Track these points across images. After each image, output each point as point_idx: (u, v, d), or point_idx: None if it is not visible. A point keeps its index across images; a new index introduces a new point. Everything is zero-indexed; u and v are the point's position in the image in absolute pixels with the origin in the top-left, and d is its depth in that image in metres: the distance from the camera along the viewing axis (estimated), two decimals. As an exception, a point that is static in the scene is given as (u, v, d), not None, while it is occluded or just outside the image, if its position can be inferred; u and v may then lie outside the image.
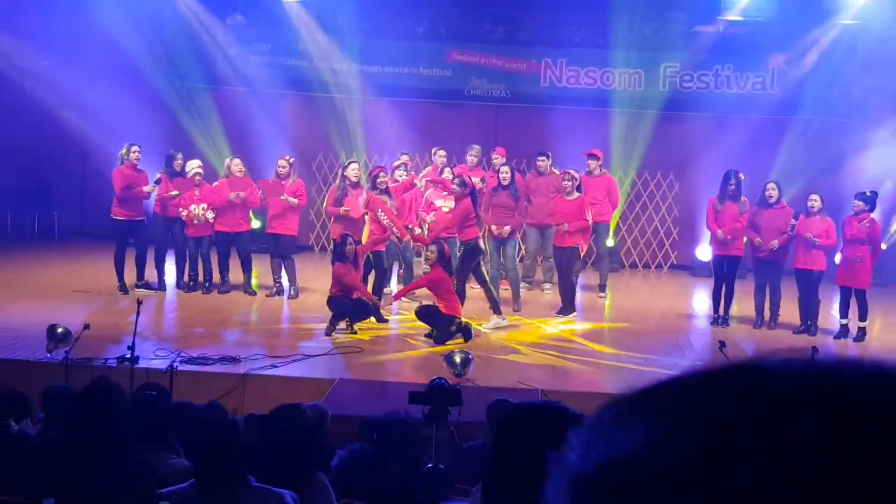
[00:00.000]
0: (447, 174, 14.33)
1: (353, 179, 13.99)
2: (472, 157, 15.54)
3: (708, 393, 0.74)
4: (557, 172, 15.29)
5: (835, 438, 0.67)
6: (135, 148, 14.35)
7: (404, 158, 15.22)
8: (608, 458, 0.72)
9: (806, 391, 0.71)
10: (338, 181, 14.38)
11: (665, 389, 0.76)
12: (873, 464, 0.66)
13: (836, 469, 0.65)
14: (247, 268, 14.63)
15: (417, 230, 13.80)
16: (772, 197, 13.41)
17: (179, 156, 14.59)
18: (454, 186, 13.15)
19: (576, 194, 13.86)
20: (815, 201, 13.16)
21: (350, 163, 14.51)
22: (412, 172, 14.81)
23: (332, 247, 13.16)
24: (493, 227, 14.06)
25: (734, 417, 0.70)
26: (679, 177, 18.71)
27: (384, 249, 13.53)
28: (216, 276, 14.62)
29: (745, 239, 13.56)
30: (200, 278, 14.60)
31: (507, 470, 2.82)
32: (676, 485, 0.68)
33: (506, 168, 14.46)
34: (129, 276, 14.27)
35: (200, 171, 14.54)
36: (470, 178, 13.48)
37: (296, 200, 14.33)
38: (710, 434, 0.70)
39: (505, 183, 14.19)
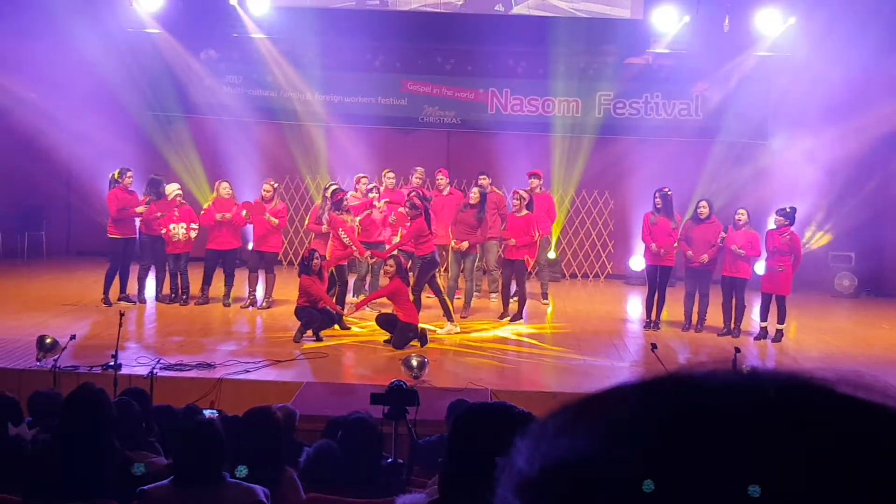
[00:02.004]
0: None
1: (330, 198, 14.04)
2: (416, 179, 15.57)
3: (641, 402, 0.74)
4: (498, 191, 15.33)
5: (755, 442, 0.68)
6: (129, 173, 14.32)
7: (391, 176, 15.34)
8: (552, 461, 0.73)
9: (729, 400, 0.71)
10: (319, 202, 14.43)
11: (604, 399, 0.77)
12: (790, 462, 0.67)
13: (757, 468, 0.66)
14: (229, 282, 14.50)
15: (386, 246, 13.81)
16: (703, 213, 13.52)
17: (163, 180, 14.61)
18: (406, 209, 13.20)
19: (524, 212, 13.96)
20: (741, 215, 13.29)
21: (331, 185, 14.51)
22: (369, 195, 14.70)
23: (298, 261, 13.15)
24: (453, 242, 14.05)
25: (665, 425, 0.71)
26: (613, 195, 18.82)
27: (346, 264, 13.53)
28: (194, 289, 14.51)
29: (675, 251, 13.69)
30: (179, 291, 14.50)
31: (460, 463, 2.83)
32: (612, 485, 0.69)
33: (476, 190, 14.25)
34: (112, 290, 14.16)
35: (180, 192, 14.49)
36: (422, 199, 13.45)
37: (276, 221, 14.30)
38: (641, 440, 0.70)
39: (473, 202, 14.14)
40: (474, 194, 14.17)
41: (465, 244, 13.98)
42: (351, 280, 14.33)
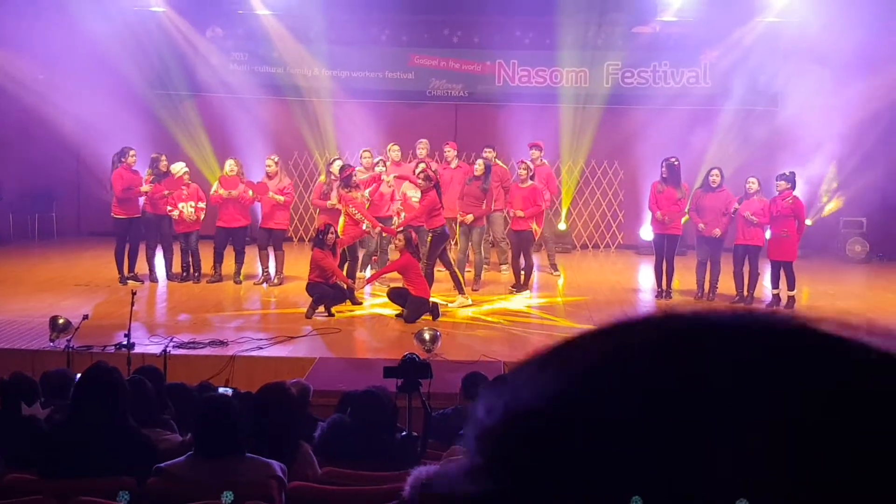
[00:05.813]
0: (420, 168, 14.21)
1: (339, 174, 14.04)
2: (421, 150, 15.48)
3: (607, 344, 0.71)
4: (502, 165, 15.29)
5: (738, 375, 0.64)
6: (132, 152, 14.30)
7: (396, 149, 15.46)
8: (511, 410, 0.71)
9: (711, 335, 0.68)
10: (322, 177, 14.44)
11: (571, 344, 0.74)
12: (780, 398, 0.63)
13: (742, 401, 0.63)
14: (240, 259, 14.49)
15: (394, 219, 13.85)
16: (715, 182, 13.47)
17: (163, 158, 14.49)
18: (420, 181, 13.15)
19: (529, 182, 13.96)
20: (752, 184, 13.26)
21: (334, 160, 14.54)
22: (376, 169, 14.68)
23: (310, 236, 13.16)
24: (459, 215, 14.05)
25: (638, 362, 0.67)
26: (623, 164, 18.77)
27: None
28: (205, 267, 14.52)
29: (683, 220, 13.66)
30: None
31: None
32: (579, 429, 0.66)
33: (480, 162, 14.33)
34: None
35: (187, 171, 14.46)
36: (435, 172, 13.50)
37: (282, 198, 14.26)
38: (608, 381, 0.67)
39: (477, 174, 14.15)
40: (478, 166, 14.21)
41: (470, 217, 13.98)
42: (361, 255, 14.37)
